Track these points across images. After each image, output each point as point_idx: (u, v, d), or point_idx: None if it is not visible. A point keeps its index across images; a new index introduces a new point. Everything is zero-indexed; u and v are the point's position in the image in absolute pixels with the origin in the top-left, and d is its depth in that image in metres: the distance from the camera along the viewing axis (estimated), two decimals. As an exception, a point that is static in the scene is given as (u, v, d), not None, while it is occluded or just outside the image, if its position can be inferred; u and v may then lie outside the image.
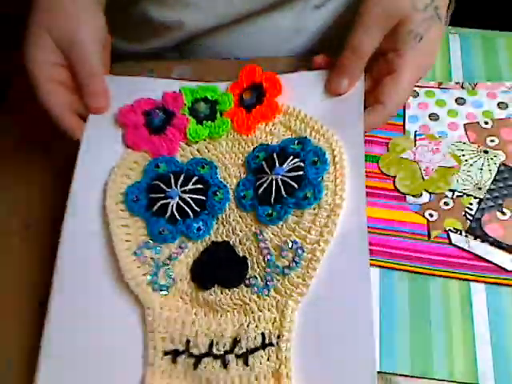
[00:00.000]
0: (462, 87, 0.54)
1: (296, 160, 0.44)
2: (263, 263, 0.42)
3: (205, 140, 0.48)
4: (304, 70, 0.52)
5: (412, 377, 0.40)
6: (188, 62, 0.60)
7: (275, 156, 0.45)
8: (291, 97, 0.49)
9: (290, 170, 0.44)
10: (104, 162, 0.47)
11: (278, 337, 0.39)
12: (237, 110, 0.49)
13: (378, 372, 0.40)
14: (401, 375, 0.40)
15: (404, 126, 0.52)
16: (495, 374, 0.39)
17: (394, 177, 0.48)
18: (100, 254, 0.43)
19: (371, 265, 0.43)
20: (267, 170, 0.44)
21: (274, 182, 0.44)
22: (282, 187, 0.43)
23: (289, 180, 0.43)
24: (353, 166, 0.44)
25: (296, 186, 0.43)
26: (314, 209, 0.42)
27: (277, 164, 0.44)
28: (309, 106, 0.48)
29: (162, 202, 0.44)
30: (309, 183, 0.43)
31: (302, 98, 0.48)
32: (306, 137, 0.46)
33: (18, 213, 0.51)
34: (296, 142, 0.46)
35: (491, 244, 0.44)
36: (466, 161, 0.48)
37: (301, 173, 0.43)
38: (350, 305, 0.39)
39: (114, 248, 0.43)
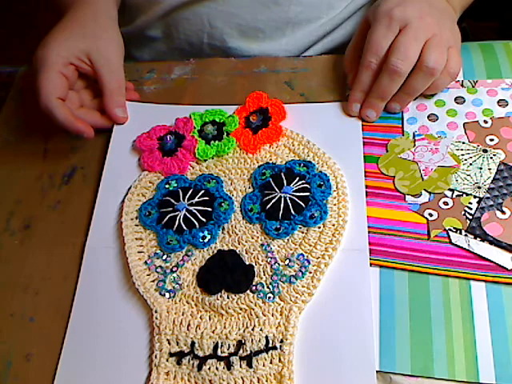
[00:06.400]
0: (462, 85, 0.54)
1: (302, 181, 0.48)
2: (270, 271, 0.44)
3: (213, 158, 0.52)
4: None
5: (412, 376, 0.40)
6: (188, 61, 0.60)
7: (283, 175, 0.49)
8: (294, 124, 0.53)
9: (297, 190, 0.48)
10: (123, 184, 0.51)
11: (282, 341, 0.41)
12: (243, 131, 0.53)
13: (378, 371, 0.40)
14: (401, 374, 0.40)
15: (402, 127, 0.52)
16: (496, 372, 0.39)
17: (394, 177, 0.49)
18: (115, 265, 0.47)
19: (371, 264, 0.44)
20: (275, 187, 0.48)
21: (282, 199, 0.47)
22: (290, 205, 0.47)
23: (296, 199, 0.47)
24: (354, 193, 0.48)
25: (303, 205, 0.47)
26: (319, 227, 0.46)
27: (285, 183, 0.48)
28: (311, 134, 0.52)
29: (170, 214, 0.48)
30: (316, 204, 0.47)
31: (304, 125, 0.53)
32: (310, 161, 0.50)
33: (18, 213, 0.51)
34: (301, 164, 0.50)
35: (491, 243, 0.44)
36: (466, 160, 0.48)
37: (307, 194, 0.47)
38: (351, 314, 0.42)
39: (127, 259, 0.46)
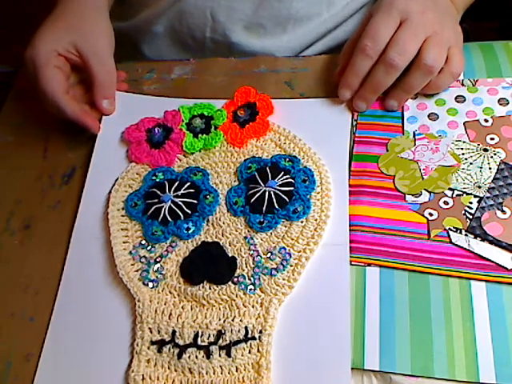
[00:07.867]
0: (463, 84, 0.54)
1: (287, 176, 0.49)
2: (252, 264, 0.45)
3: (200, 151, 0.52)
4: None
5: (412, 376, 0.39)
6: (188, 61, 0.60)
7: (268, 169, 0.49)
8: (282, 118, 0.53)
9: (281, 185, 0.48)
10: (110, 175, 0.52)
11: (261, 331, 0.41)
12: (231, 125, 0.53)
13: (379, 371, 0.40)
14: (401, 374, 0.40)
15: (403, 126, 0.52)
16: (496, 372, 0.39)
17: (394, 176, 0.48)
18: (101, 255, 0.47)
19: (372, 264, 0.44)
20: (260, 181, 0.48)
21: (266, 193, 0.48)
22: (274, 199, 0.47)
23: (280, 193, 0.48)
24: (337, 189, 0.48)
25: (287, 199, 0.47)
26: (302, 222, 0.47)
27: (269, 177, 0.49)
28: (297, 129, 0.52)
29: (156, 206, 0.48)
30: (299, 199, 0.47)
31: (291, 120, 0.53)
32: (296, 156, 0.50)
33: (18, 213, 0.51)
34: (287, 159, 0.50)
35: (491, 243, 0.43)
36: (466, 159, 0.48)
37: (291, 188, 0.48)
38: (329, 307, 0.43)
39: (112, 249, 0.46)
